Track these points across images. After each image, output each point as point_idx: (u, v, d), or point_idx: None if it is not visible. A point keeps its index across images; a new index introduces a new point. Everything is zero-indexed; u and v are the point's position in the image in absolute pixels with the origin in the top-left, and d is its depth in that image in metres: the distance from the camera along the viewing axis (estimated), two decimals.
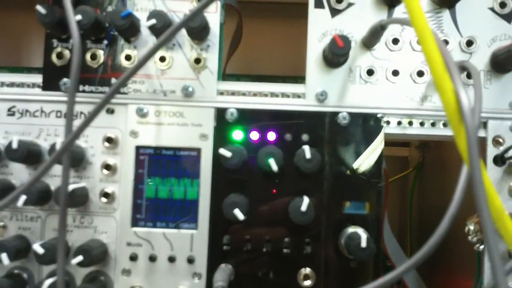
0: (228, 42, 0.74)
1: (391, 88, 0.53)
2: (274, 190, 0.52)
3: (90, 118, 0.45)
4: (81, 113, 0.53)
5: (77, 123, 0.50)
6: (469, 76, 0.52)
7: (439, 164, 0.79)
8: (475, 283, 0.55)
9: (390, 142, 0.52)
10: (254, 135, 0.53)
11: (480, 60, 0.52)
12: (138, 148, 0.53)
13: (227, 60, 0.73)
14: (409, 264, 0.34)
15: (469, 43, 0.52)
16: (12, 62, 0.94)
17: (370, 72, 0.53)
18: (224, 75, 0.57)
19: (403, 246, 0.77)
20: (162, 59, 0.53)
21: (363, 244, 0.47)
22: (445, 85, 0.30)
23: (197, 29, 0.50)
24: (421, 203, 0.86)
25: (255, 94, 0.54)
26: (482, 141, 0.52)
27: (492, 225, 0.29)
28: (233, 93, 0.54)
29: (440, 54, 0.31)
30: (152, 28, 0.50)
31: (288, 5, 0.90)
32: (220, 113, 0.53)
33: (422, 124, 0.53)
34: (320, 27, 0.53)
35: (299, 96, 0.53)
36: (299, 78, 0.56)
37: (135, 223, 0.52)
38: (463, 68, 0.45)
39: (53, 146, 0.50)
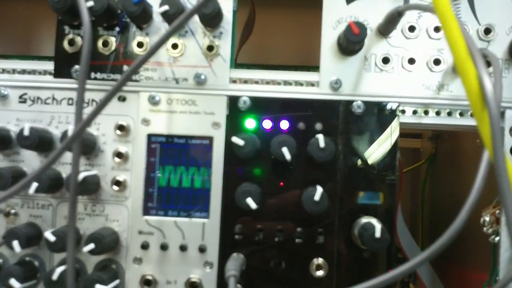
0: (239, 31, 0.73)
1: (407, 77, 0.52)
2: (287, 180, 0.52)
3: (101, 106, 0.44)
4: (93, 100, 0.53)
5: (88, 110, 0.50)
6: (487, 64, 0.50)
7: (452, 155, 0.78)
8: (490, 275, 0.54)
9: (403, 133, 0.52)
10: (267, 124, 0.52)
11: (498, 48, 0.51)
12: (150, 136, 0.52)
13: (238, 49, 0.72)
14: (425, 255, 0.33)
15: (487, 31, 0.51)
16: (22, 51, 0.94)
17: (385, 60, 0.52)
18: (235, 65, 0.56)
19: (414, 238, 0.76)
20: (175, 46, 0.53)
21: (377, 234, 0.47)
22: (468, 71, 0.30)
23: (210, 16, 0.49)
24: (433, 195, 0.85)
25: (268, 82, 0.53)
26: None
27: None
28: (246, 81, 0.53)
29: (463, 39, 0.30)
30: (164, 15, 0.50)
31: None
32: (233, 101, 0.52)
33: (438, 113, 0.52)
34: (335, 14, 0.52)
35: (312, 85, 0.52)
36: (311, 68, 0.55)
37: (146, 211, 0.52)
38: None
39: (64, 134, 0.50)
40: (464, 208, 0.32)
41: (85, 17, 0.47)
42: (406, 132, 0.88)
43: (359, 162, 0.52)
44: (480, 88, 0.29)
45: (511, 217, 0.28)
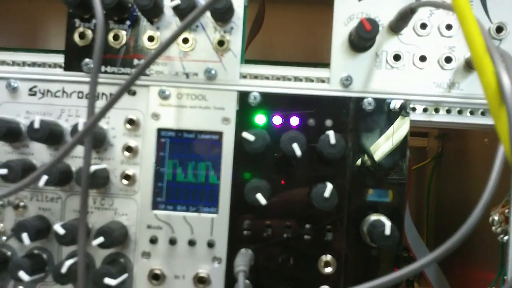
0: (248, 27, 0.73)
1: (418, 74, 0.51)
2: (296, 176, 0.52)
3: (114, 100, 0.44)
4: (103, 94, 0.53)
5: (98, 104, 0.50)
6: None
7: (458, 154, 0.78)
8: (497, 275, 0.54)
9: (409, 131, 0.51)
10: (277, 120, 0.52)
11: (510, 47, 0.51)
12: (159, 130, 0.52)
13: (247, 46, 0.72)
14: (436, 255, 0.33)
15: (499, 29, 0.51)
16: (28, 45, 0.93)
17: (396, 57, 0.52)
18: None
19: None
20: (185, 40, 0.52)
21: (387, 231, 0.47)
22: (486, 67, 0.30)
23: (221, 11, 0.49)
24: (438, 194, 0.85)
25: (278, 78, 0.53)
26: None
27: None
28: (256, 77, 0.53)
29: (481, 35, 0.30)
30: (176, 9, 0.49)
31: None
32: (243, 96, 0.52)
33: (448, 111, 0.52)
34: (346, 11, 0.52)
35: (323, 81, 0.52)
36: (318, 65, 0.55)
37: (155, 206, 0.52)
38: None
39: (75, 127, 0.50)
40: (477, 207, 0.32)
41: (98, 10, 0.46)
42: (413, 130, 0.88)
43: (369, 159, 0.51)
44: (498, 84, 0.29)
45: None
